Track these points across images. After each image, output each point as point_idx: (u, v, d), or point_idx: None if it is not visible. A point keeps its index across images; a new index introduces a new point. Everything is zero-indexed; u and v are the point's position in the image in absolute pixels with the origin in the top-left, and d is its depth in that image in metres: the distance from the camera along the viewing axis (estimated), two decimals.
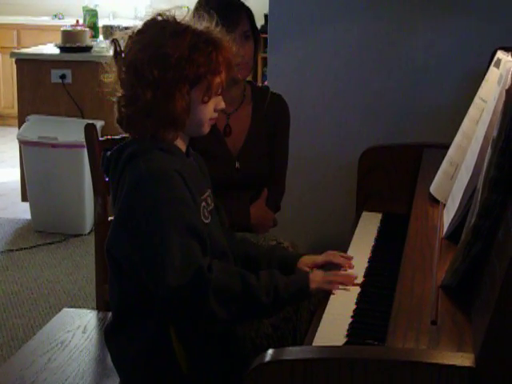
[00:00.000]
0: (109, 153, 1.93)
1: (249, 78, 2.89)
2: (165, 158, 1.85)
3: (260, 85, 2.87)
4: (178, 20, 1.90)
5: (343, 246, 2.40)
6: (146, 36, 1.88)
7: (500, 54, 2.19)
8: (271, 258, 2.16)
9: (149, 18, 1.91)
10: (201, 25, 1.91)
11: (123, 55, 1.90)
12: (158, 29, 1.87)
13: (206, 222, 1.92)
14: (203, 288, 1.75)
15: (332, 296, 1.97)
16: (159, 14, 1.91)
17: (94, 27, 6.16)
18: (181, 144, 1.95)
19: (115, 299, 1.94)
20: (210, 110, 1.92)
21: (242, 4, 2.69)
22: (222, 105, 1.95)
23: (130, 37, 1.90)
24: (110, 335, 1.98)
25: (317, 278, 1.96)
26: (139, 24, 1.92)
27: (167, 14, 1.91)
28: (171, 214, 1.77)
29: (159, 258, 1.74)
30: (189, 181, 1.85)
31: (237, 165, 2.70)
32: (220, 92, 1.93)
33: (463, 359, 1.39)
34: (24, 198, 5.28)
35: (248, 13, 2.68)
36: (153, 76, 1.83)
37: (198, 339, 1.92)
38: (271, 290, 1.85)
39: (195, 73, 1.84)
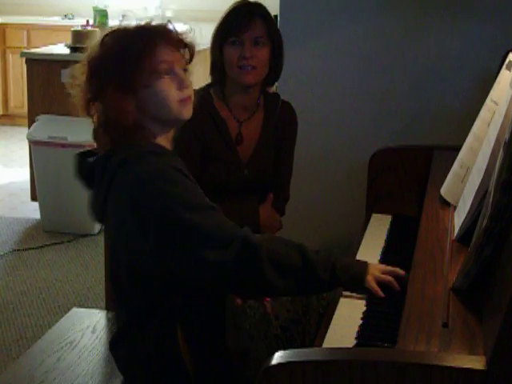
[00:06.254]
0: (91, 159, 1.92)
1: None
2: (159, 159, 1.85)
3: (271, 91, 2.83)
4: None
5: (353, 248, 2.40)
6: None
7: None
8: None
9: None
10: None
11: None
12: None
13: None
14: (256, 254, 1.75)
15: (342, 298, 1.97)
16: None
17: (104, 27, 6.16)
18: (166, 143, 1.94)
19: (126, 305, 1.94)
20: (169, 89, 1.87)
21: (261, 11, 2.63)
22: (186, 82, 1.91)
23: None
24: (115, 344, 1.98)
25: (375, 271, 1.95)
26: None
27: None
28: (189, 201, 1.78)
29: (197, 242, 1.74)
30: (189, 176, 1.87)
31: (245, 172, 2.70)
32: (174, 71, 1.88)
33: (475, 362, 1.39)
34: (33, 198, 5.29)
35: (265, 19, 2.62)
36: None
37: (204, 339, 1.92)
38: (329, 267, 1.85)
39: (122, 68, 1.85)
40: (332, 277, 1.86)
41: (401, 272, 1.96)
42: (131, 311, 1.91)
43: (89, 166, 1.92)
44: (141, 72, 1.84)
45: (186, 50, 1.96)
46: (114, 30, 1.92)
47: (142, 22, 1.93)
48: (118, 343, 1.96)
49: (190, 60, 1.98)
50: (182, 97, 1.89)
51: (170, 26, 1.94)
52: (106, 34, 1.92)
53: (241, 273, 1.76)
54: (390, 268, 1.98)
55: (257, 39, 2.59)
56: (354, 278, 1.92)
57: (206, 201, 1.84)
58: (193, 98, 1.94)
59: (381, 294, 1.91)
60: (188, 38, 1.96)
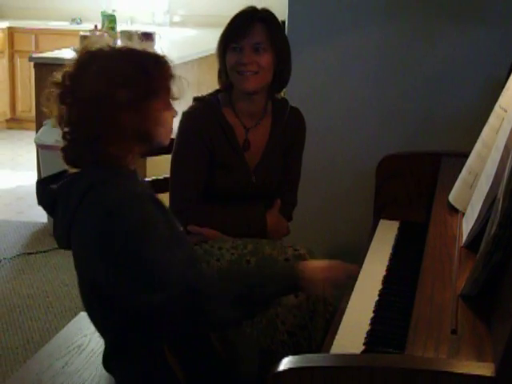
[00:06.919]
0: (54, 186, 1.90)
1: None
2: (127, 183, 1.85)
3: (279, 97, 2.82)
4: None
5: (360, 254, 2.40)
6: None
7: None
8: None
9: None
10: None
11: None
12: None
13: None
14: (203, 294, 1.76)
15: (350, 304, 1.97)
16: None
17: (112, 32, 6.19)
18: (131, 164, 1.94)
19: (103, 329, 1.95)
20: (170, 120, 1.95)
21: (264, 17, 2.61)
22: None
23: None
24: (106, 363, 1.99)
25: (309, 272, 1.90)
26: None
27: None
28: (154, 230, 1.78)
29: (152, 274, 1.74)
30: (158, 202, 1.87)
31: (253, 178, 2.70)
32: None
33: (483, 369, 1.39)
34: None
35: (268, 25, 2.60)
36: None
37: (191, 351, 1.93)
38: (266, 281, 1.87)
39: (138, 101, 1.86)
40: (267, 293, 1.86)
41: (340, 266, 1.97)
42: (111, 335, 1.93)
43: (51, 193, 1.90)
44: (158, 104, 1.89)
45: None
46: (129, 50, 1.93)
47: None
48: (109, 362, 1.98)
49: None
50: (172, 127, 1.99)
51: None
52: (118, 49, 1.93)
53: (184, 317, 1.78)
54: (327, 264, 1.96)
55: (256, 45, 2.57)
56: (285, 282, 1.89)
57: (172, 231, 1.84)
58: None
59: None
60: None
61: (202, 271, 1.86)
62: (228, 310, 1.79)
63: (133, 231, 1.76)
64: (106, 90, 1.82)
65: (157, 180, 2.78)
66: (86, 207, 1.82)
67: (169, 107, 1.92)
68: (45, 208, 1.96)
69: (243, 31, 2.56)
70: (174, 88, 1.93)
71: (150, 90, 1.85)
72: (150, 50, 1.94)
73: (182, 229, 2.02)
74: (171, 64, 1.94)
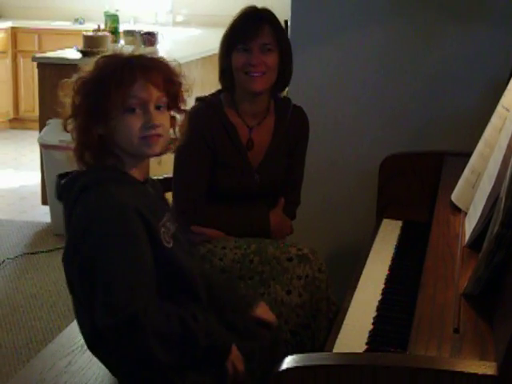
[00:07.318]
0: (63, 181, 1.94)
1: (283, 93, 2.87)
2: (117, 190, 1.85)
3: (281, 96, 2.83)
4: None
5: (363, 254, 2.40)
6: None
7: None
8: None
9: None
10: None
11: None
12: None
13: (169, 246, 1.91)
14: (139, 331, 1.74)
15: (353, 303, 1.97)
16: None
17: (115, 32, 6.19)
18: (137, 173, 1.94)
19: (85, 323, 1.93)
20: (134, 125, 1.87)
21: (269, 18, 2.64)
22: (154, 121, 1.88)
23: None
24: (93, 351, 1.98)
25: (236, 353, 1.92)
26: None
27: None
28: (118, 251, 1.79)
29: (98, 293, 1.76)
30: (144, 211, 1.85)
31: (256, 177, 2.70)
32: (146, 108, 1.88)
33: (486, 368, 1.39)
34: (44, 202, 5.31)
35: (273, 26, 2.62)
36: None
37: None
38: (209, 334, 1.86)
39: (96, 94, 1.86)
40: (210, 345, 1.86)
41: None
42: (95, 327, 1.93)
43: (61, 188, 1.94)
44: (111, 103, 1.85)
45: (173, 86, 1.95)
46: (108, 56, 1.93)
47: (135, 52, 1.94)
48: (94, 351, 1.98)
49: (175, 98, 1.97)
50: (144, 134, 1.88)
51: (159, 62, 1.94)
52: (102, 57, 1.93)
53: (122, 341, 1.76)
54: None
55: (265, 46, 2.59)
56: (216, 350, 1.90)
57: (136, 257, 1.81)
58: (163, 136, 1.92)
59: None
60: (174, 77, 1.95)
61: (158, 308, 1.81)
62: (159, 353, 1.76)
63: (95, 244, 1.79)
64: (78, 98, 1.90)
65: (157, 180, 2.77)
66: (79, 207, 1.85)
67: (122, 111, 1.86)
68: (58, 200, 1.97)
69: (252, 32, 2.58)
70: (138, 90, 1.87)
71: (101, 95, 1.85)
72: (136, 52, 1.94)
73: (175, 229, 1.99)
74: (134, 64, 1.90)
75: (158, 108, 1.90)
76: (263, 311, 2.17)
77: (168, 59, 1.98)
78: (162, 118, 1.91)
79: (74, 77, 1.93)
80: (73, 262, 1.86)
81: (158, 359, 1.77)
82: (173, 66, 1.97)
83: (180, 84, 1.97)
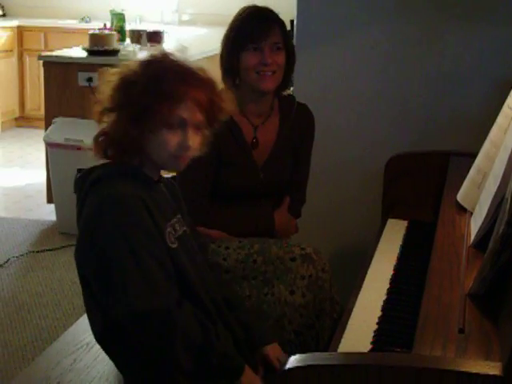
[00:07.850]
0: (78, 175, 1.95)
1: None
2: (127, 184, 1.85)
3: (286, 94, 2.83)
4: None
5: (368, 253, 2.40)
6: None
7: None
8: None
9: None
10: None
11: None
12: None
13: (173, 246, 1.89)
14: (170, 322, 1.73)
15: (358, 303, 1.97)
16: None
17: (121, 31, 6.18)
18: (151, 171, 1.94)
19: (97, 315, 1.90)
20: (170, 143, 1.86)
21: (276, 17, 2.66)
22: (189, 143, 1.88)
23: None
24: (103, 347, 1.96)
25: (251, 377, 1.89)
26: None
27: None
28: (130, 239, 1.77)
29: (120, 284, 1.74)
30: (152, 206, 1.85)
31: (261, 175, 2.70)
32: (185, 129, 1.87)
33: (491, 368, 1.39)
34: (49, 200, 5.31)
35: (281, 26, 2.65)
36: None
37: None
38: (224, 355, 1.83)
39: (143, 101, 1.84)
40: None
41: None
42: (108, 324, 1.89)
43: (76, 182, 1.95)
44: (153, 116, 1.84)
45: (214, 107, 1.93)
46: (158, 59, 1.91)
47: (186, 62, 1.92)
48: (106, 348, 1.96)
49: (213, 119, 1.94)
50: (178, 155, 1.88)
51: (208, 80, 1.93)
52: (150, 58, 1.91)
53: (150, 330, 1.73)
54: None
55: (275, 45, 2.61)
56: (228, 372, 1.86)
57: (148, 245, 1.80)
58: (190, 157, 1.92)
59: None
60: (216, 98, 1.93)
61: (190, 307, 1.82)
62: (185, 354, 1.76)
63: (108, 237, 1.78)
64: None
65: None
66: (90, 201, 1.85)
67: (165, 127, 1.85)
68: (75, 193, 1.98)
69: (265, 32, 2.59)
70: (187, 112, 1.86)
71: (146, 105, 1.84)
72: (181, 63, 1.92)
73: (183, 232, 1.98)
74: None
75: (195, 127, 1.89)
76: (273, 353, 2.03)
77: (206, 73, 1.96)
78: (196, 139, 1.90)
79: (116, 70, 1.91)
80: (85, 252, 1.83)
81: (177, 358, 1.75)
82: (216, 84, 1.96)
83: (220, 108, 1.95)
